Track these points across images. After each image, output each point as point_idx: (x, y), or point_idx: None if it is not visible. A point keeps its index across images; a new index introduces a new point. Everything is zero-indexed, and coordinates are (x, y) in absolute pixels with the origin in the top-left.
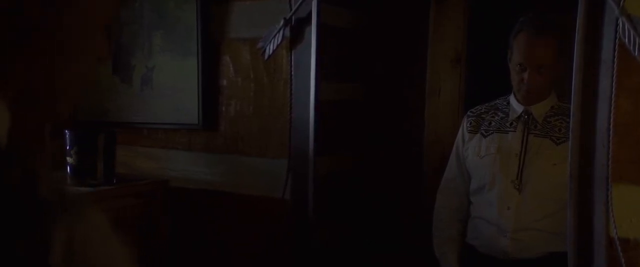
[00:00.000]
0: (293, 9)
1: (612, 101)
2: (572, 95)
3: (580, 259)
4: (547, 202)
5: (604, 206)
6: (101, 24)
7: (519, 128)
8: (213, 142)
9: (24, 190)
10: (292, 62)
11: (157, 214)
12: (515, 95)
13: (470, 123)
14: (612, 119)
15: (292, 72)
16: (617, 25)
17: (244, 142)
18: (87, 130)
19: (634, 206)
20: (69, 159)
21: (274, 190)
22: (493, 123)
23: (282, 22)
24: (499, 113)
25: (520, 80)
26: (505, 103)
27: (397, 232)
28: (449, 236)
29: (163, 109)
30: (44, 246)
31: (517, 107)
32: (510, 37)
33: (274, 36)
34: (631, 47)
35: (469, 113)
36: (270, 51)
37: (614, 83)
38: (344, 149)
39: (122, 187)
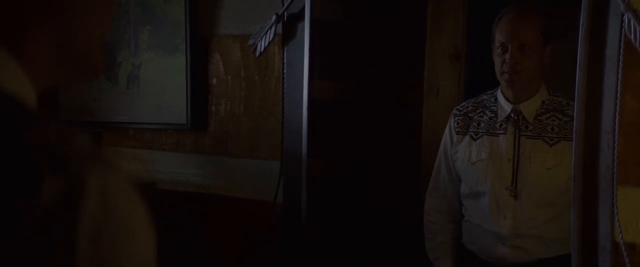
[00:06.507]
0: (285, 5)
1: (618, 100)
2: (576, 94)
3: (584, 264)
4: (545, 208)
5: (609, 209)
6: None
7: (509, 130)
8: (202, 143)
9: (59, 143)
10: (284, 60)
11: None
12: (502, 91)
13: (458, 123)
14: (617, 119)
15: (284, 70)
16: (622, 20)
17: (234, 142)
18: None
19: None
20: None
21: (266, 193)
22: (482, 124)
23: (273, 18)
24: (487, 112)
25: (502, 62)
26: (492, 100)
27: (393, 235)
28: (441, 241)
29: (150, 109)
30: (76, 190)
31: (505, 105)
32: (493, 26)
33: (266, 33)
34: (637, 43)
35: (455, 112)
36: (262, 48)
37: (619, 81)
38: (338, 149)
39: None
